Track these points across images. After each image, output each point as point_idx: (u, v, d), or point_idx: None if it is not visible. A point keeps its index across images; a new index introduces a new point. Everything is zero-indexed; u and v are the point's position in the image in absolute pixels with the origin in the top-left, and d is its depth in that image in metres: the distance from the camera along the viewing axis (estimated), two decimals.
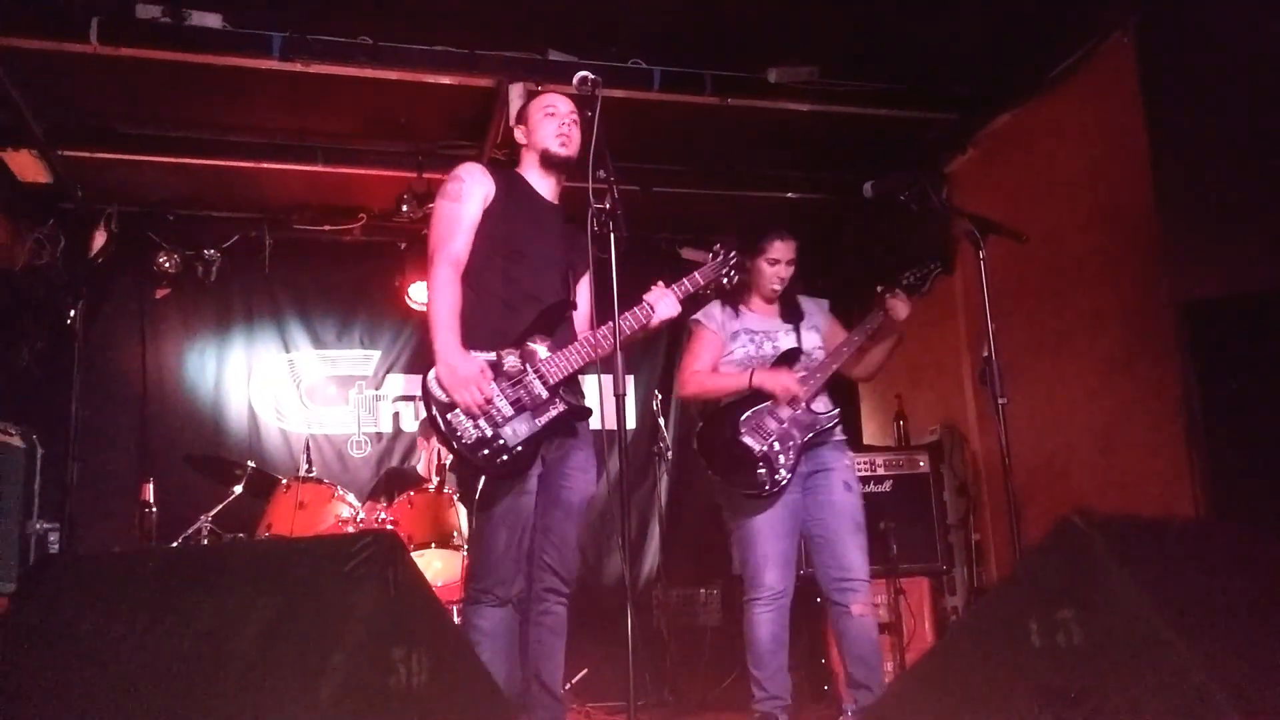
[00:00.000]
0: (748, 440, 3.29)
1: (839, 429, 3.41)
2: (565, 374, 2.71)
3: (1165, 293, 3.86)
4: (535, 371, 2.68)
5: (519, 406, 2.65)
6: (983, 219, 3.22)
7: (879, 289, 3.43)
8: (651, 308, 2.83)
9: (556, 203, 2.95)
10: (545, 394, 2.68)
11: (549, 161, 2.90)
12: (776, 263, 3.46)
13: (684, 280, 2.96)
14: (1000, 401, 3.05)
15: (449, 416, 2.61)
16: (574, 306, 2.85)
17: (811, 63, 4.57)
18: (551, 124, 2.88)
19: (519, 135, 2.99)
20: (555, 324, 2.76)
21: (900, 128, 5.01)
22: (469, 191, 2.80)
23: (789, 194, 5.60)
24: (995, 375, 3.05)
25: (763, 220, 5.56)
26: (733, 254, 3.05)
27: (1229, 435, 3.58)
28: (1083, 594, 1.70)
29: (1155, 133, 3.91)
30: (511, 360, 2.67)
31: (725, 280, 3.05)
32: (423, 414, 6.00)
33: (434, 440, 5.26)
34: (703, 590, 5.53)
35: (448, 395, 2.61)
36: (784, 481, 3.26)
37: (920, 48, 4.50)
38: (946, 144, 5.25)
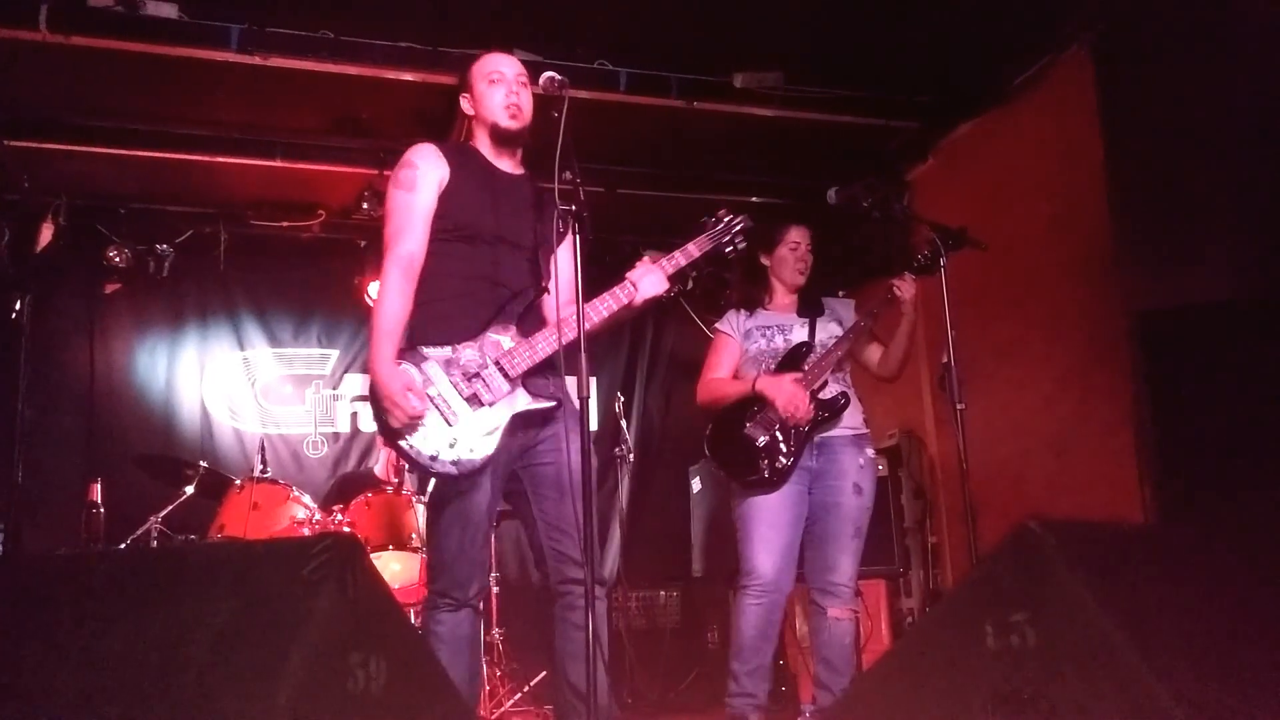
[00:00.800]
0: (751, 432, 3.31)
1: (849, 423, 3.36)
2: (529, 364, 2.53)
3: (1119, 302, 3.94)
4: (495, 364, 2.52)
5: (475, 403, 2.49)
6: (943, 227, 3.26)
7: (907, 274, 3.37)
8: (634, 285, 2.63)
9: (518, 173, 2.73)
10: (506, 387, 2.52)
11: (499, 136, 2.69)
12: (797, 246, 3.50)
13: (675, 254, 2.72)
14: (959, 407, 3.09)
15: (400, 442, 2.48)
16: (544, 290, 2.61)
17: (777, 68, 4.60)
18: (498, 92, 2.67)
19: (465, 105, 2.75)
20: (522, 311, 2.58)
21: (863, 135, 5.05)
22: (422, 178, 2.59)
23: (753, 198, 5.63)
24: (954, 381, 3.09)
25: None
26: (738, 220, 2.81)
27: (1179, 443, 3.65)
28: (1036, 597, 1.72)
29: (1111, 145, 3.99)
30: (469, 354, 2.51)
31: (730, 250, 2.82)
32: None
33: None
34: (663, 593, 5.54)
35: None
36: (784, 466, 3.26)
37: (884, 57, 4.55)
38: (908, 152, 5.32)
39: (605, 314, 2.60)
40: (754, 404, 3.35)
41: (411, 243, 2.56)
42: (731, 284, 3.74)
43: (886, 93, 4.86)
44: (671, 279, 2.70)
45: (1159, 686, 1.54)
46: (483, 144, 2.75)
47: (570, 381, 2.59)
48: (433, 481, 2.63)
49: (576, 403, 2.41)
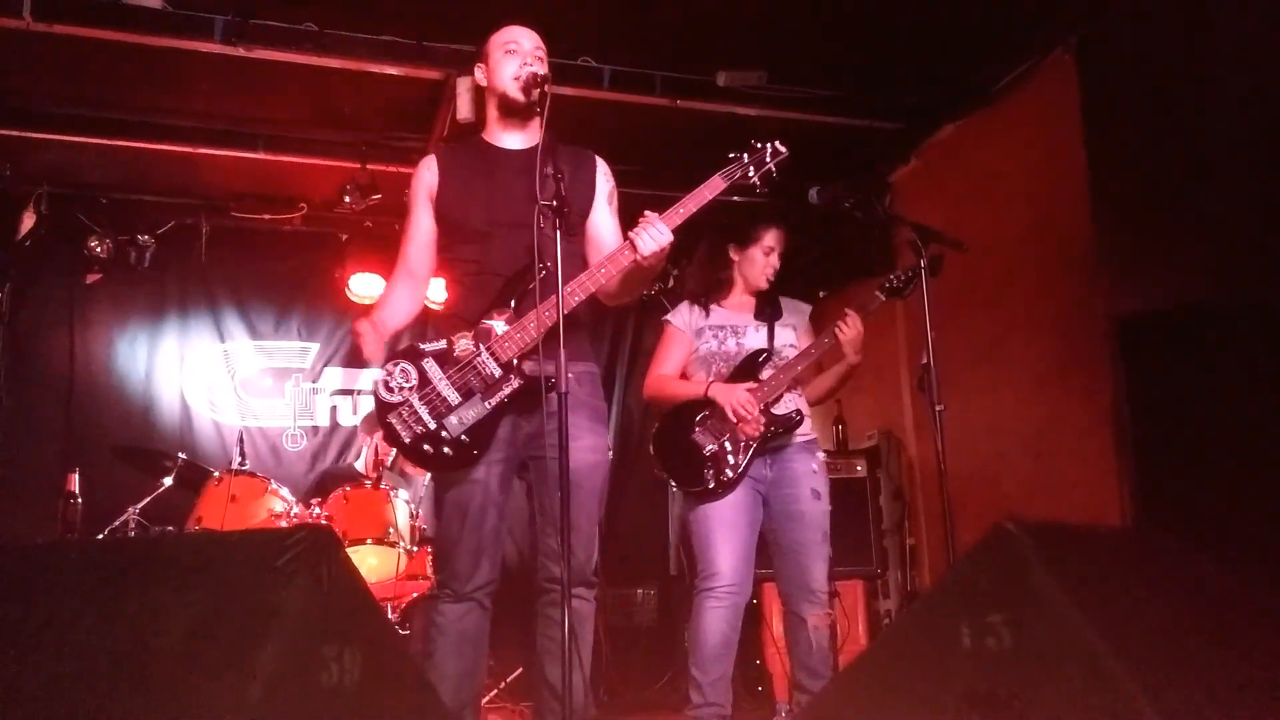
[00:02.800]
0: (699, 439, 3.27)
1: (801, 430, 3.33)
2: (522, 347, 2.51)
3: (1099, 304, 3.96)
4: (488, 350, 2.52)
5: (467, 391, 2.50)
6: (925, 228, 3.26)
7: (876, 291, 3.34)
8: (632, 244, 2.52)
9: (528, 147, 2.64)
10: (498, 372, 2.51)
11: (507, 107, 2.68)
12: (771, 251, 3.46)
13: (682, 201, 2.62)
14: (937, 408, 3.09)
15: (390, 419, 2.52)
16: (544, 269, 2.51)
17: (761, 67, 4.60)
18: (511, 63, 2.65)
19: (479, 76, 2.74)
20: (519, 294, 2.55)
21: (846, 135, 5.06)
22: (415, 194, 2.73)
23: (735, 198, 5.63)
24: (933, 382, 3.09)
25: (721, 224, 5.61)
26: (770, 151, 2.72)
27: (1156, 444, 3.68)
28: (1013, 599, 1.73)
29: (1093, 148, 4.01)
30: (463, 344, 2.53)
31: (755, 182, 2.71)
32: (364, 410, 5.95)
33: (376, 436, 5.19)
34: (639, 591, 5.54)
35: (389, 396, 2.52)
36: (729, 478, 3.22)
37: (867, 57, 4.56)
38: (891, 153, 5.33)
39: (603, 280, 2.55)
40: (704, 408, 3.29)
41: (403, 263, 2.74)
42: (691, 270, 3.68)
43: (869, 93, 4.87)
44: (683, 228, 2.60)
45: (1135, 688, 1.55)
46: (493, 122, 2.75)
47: (583, 368, 2.62)
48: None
49: (581, 387, 2.46)
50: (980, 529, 1.84)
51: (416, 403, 2.52)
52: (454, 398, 2.51)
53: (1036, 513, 4.13)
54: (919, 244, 3.20)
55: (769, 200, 3.69)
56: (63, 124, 4.81)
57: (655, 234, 2.51)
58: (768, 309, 3.47)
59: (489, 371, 2.52)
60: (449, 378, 2.52)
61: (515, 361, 2.52)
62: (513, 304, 2.56)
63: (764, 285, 3.47)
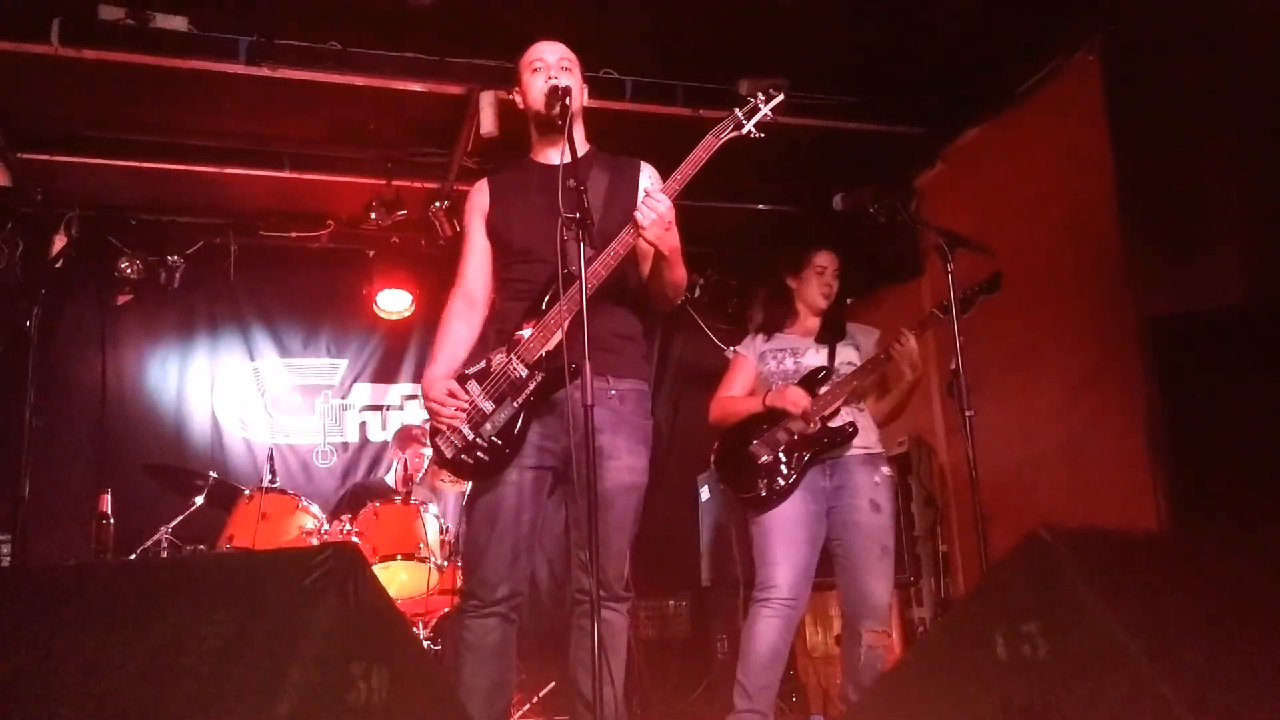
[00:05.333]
0: (755, 450, 3.37)
1: (861, 443, 3.37)
2: (544, 346, 2.54)
3: (1130, 308, 3.91)
4: (516, 356, 2.57)
5: (499, 398, 2.56)
6: (951, 232, 3.24)
7: (934, 310, 3.36)
8: (635, 225, 2.47)
9: (573, 159, 2.51)
10: (524, 373, 2.55)
11: (540, 123, 2.71)
12: (824, 270, 3.54)
13: (676, 171, 2.57)
14: (968, 414, 3.06)
15: (436, 440, 2.61)
16: (568, 271, 2.47)
17: (782, 75, 4.58)
18: (539, 79, 2.67)
19: (516, 99, 2.78)
20: (551, 301, 2.56)
21: (870, 141, 5.03)
22: (470, 219, 2.80)
23: (760, 205, 5.62)
24: (963, 388, 3.06)
25: (747, 232, 5.60)
26: (764, 98, 2.65)
27: (1191, 450, 3.61)
28: (1048, 607, 1.70)
29: (1120, 149, 3.96)
30: (499, 358, 2.60)
31: (749, 131, 2.64)
32: (393, 425, 5.98)
33: (407, 451, 5.21)
34: (671, 602, 5.51)
35: (434, 422, 2.61)
36: (782, 486, 3.28)
37: (890, 62, 4.53)
38: (915, 157, 5.29)
39: (614, 262, 2.51)
40: (763, 422, 3.39)
41: (461, 284, 2.77)
42: (757, 307, 3.78)
43: (893, 98, 4.84)
44: (684, 193, 2.55)
45: (1174, 697, 1.52)
46: (532, 136, 2.80)
47: (630, 385, 2.63)
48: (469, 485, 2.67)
49: (625, 405, 2.50)
50: (1014, 535, 1.81)
51: (460, 422, 2.59)
52: (489, 407, 2.57)
53: (1071, 519, 4.06)
54: (946, 249, 3.18)
55: (818, 224, 3.70)
56: (92, 147, 4.90)
57: (652, 203, 2.46)
58: (829, 332, 3.53)
59: (517, 375, 2.56)
60: (485, 390, 2.58)
61: (543, 355, 2.55)
62: (543, 309, 2.59)
63: (823, 304, 3.55)
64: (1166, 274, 3.77)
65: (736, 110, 2.67)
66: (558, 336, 2.49)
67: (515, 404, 2.55)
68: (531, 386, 2.55)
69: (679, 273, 2.64)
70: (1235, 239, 3.55)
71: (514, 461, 2.55)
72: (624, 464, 2.59)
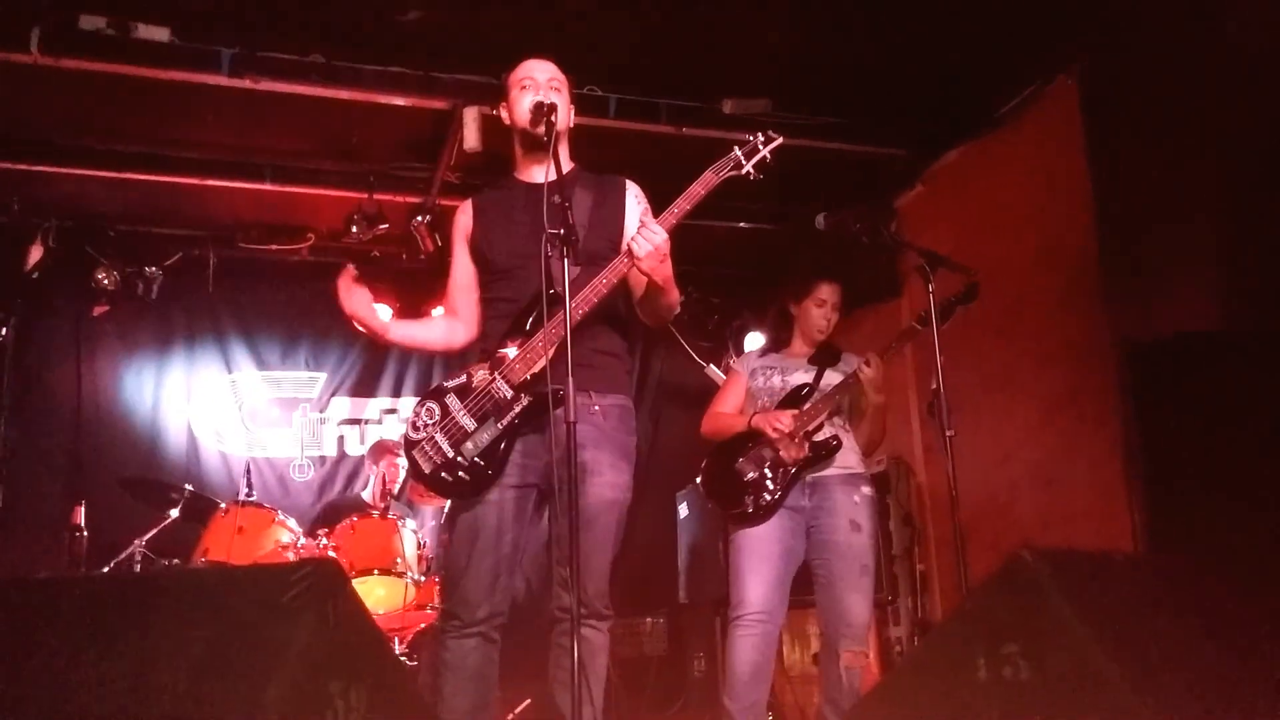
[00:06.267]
0: (741, 467, 3.39)
1: (842, 463, 3.39)
2: (531, 368, 2.53)
3: (1107, 332, 3.94)
4: (501, 375, 2.57)
5: (482, 417, 2.56)
6: (933, 253, 3.26)
7: (913, 323, 3.35)
8: (628, 254, 2.49)
9: (558, 176, 2.51)
10: (509, 394, 2.55)
11: (525, 140, 2.71)
12: (824, 304, 3.57)
13: (676, 202, 2.58)
14: (948, 434, 3.07)
15: (414, 454, 2.59)
16: (554, 291, 2.47)
17: (766, 95, 4.62)
18: (526, 97, 2.68)
19: (503, 115, 2.79)
20: (536, 320, 2.56)
21: (852, 161, 5.06)
22: (454, 242, 2.83)
23: (742, 224, 5.64)
24: (943, 407, 3.08)
25: (729, 250, 5.61)
26: (763, 142, 2.65)
27: (1166, 473, 3.64)
28: (1029, 628, 1.71)
29: (1098, 173, 4.01)
30: (480, 375, 2.59)
31: (747, 172, 2.64)
32: (371, 439, 5.93)
33: (381, 464, 5.17)
34: (648, 620, 5.49)
35: (415, 435, 2.60)
36: (768, 503, 3.30)
37: (872, 84, 4.57)
38: (896, 179, 5.33)
39: (604, 290, 2.52)
40: (749, 440, 3.41)
41: (449, 300, 2.83)
42: (766, 325, 3.84)
43: (875, 120, 4.88)
44: (679, 227, 2.57)
45: (1152, 718, 1.53)
46: (518, 154, 2.81)
47: (613, 400, 2.64)
48: (449, 502, 2.67)
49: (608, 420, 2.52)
50: (991, 556, 1.82)
51: (438, 435, 2.58)
52: (470, 424, 2.56)
53: (1046, 540, 4.10)
54: (927, 270, 3.20)
55: (822, 253, 3.74)
56: (70, 157, 4.84)
57: (649, 235, 2.47)
58: (824, 356, 3.56)
59: (502, 395, 2.56)
60: (466, 407, 2.58)
61: (528, 378, 2.54)
62: (527, 328, 2.59)
63: (819, 336, 3.58)
64: (1143, 298, 3.81)
65: (736, 150, 2.68)
66: (542, 362, 2.49)
67: (499, 425, 2.54)
68: (517, 409, 2.55)
69: (672, 297, 2.67)
70: (1211, 264, 3.60)
71: (496, 481, 2.55)
72: (606, 480, 2.59)
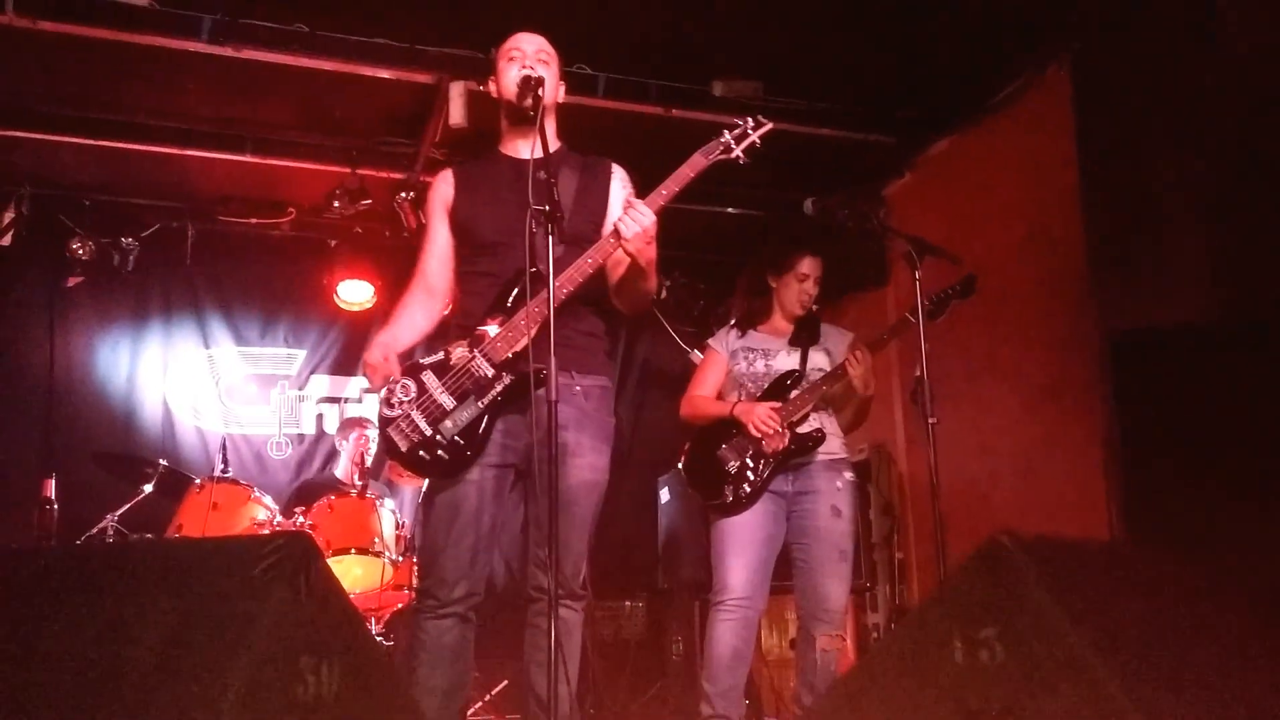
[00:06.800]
0: (723, 455, 3.34)
1: (825, 449, 3.37)
2: (513, 346, 2.50)
3: (1091, 322, 3.94)
4: (481, 353, 2.53)
5: (462, 395, 2.52)
6: (920, 240, 3.25)
7: (907, 315, 3.31)
8: (615, 233, 2.47)
9: (544, 152, 2.48)
10: (490, 373, 2.52)
11: (511, 113, 2.68)
12: (806, 278, 3.50)
13: (664, 183, 2.55)
14: (930, 421, 3.07)
15: (389, 431, 2.53)
16: (536, 269, 2.47)
17: (758, 79, 4.59)
18: (513, 69, 2.65)
19: (491, 88, 2.76)
20: (518, 298, 2.54)
21: (841, 148, 5.04)
22: (432, 210, 2.77)
23: (729, 209, 5.62)
24: (927, 394, 3.07)
25: (715, 235, 5.58)
26: (753, 127, 2.64)
27: (1145, 464, 3.65)
28: (1006, 613, 1.70)
29: (1086, 164, 4.00)
30: (459, 352, 2.55)
31: (738, 156, 2.63)
32: (344, 414, 5.89)
33: (351, 437, 5.13)
34: (628, 603, 5.49)
35: (390, 412, 2.53)
36: (748, 493, 3.28)
37: (863, 71, 4.55)
38: (885, 166, 5.31)
39: (590, 269, 2.51)
40: (732, 427, 3.36)
41: (420, 276, 2.75)
42: (736, 298, 3.74)
43: (865, 106, 4.86)
44: (667, 208, 2.54)
45: (1129, 704, 1.53)
46: (504, 127, 2.77)
47: (593, 381, 2.62)
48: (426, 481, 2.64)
49: (589, 401, 2.48)
50: (970, 545, 1.81)
51: (415, 413, 2.53)
52: (449, 403, 2.52)
53: (1026, 529, 4.10)
54: (914, 257, 3.18)
55: (807, 229, 3.70)
56: (45, 123, 4.74)
57: (637, 215, 2.46)
58: (804, 334, 3.51)
59: (482, 373, 2.53)
60: (444, 385, 2.54)
61: (510, 358, 2.52)
62: (508, 306, 2.56)
63: (799, 312, 3.52)
64: (1128, 289, 3.81)
65: (726, 133, 2.66)
66: (525, 340, 2.46)
67: (480, 404, 2.51)
68: (498, 388, 2.52)
69: (652, 283, 2.65)
70: (1197, 256, 3.60)
71: (475, 461, 2.52)
72: (586, 462, 2.59)
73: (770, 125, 2.69)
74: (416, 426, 2.52)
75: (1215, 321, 3.49)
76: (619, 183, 2.78)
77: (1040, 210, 4.34)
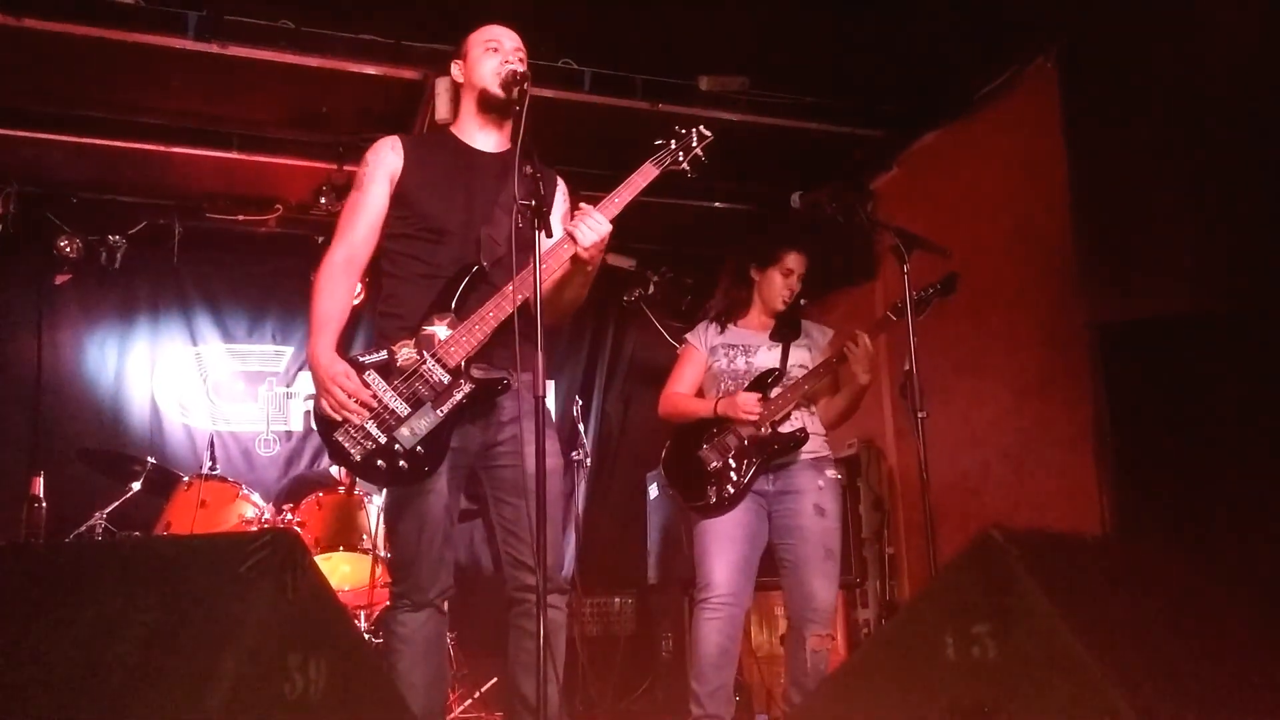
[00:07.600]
0: (705, 455, 3.30)
1: (808, 448, 3.34)
2: (469, 350, 2.45)
3: (1080, 315, 3.95)
4: (433, 357, 2.44)
5: (416, 401, 2.41)
6: (909, 234, 3.24)
7: (888, 313, 3.30)
8: (571, 236, 2.46)
9: (502, 150, 2.61)
10: (447, 379, 2.44)
11: (487, 104, 2.63)
12: (790, 274, 3.46)
13: (617, 190, 2.57)
14: (919, 415, 3.06)
15: (337, 437, 2.40)
16: (481, 268, 2.50)
17: (743, 73, 4.58)
18: (493, 60, 2.61)
19: (456, 72, 2.70)
20: (462, 296, 2.48)
21: (828, 142, 5.04)
22: (372, 174, 2.60)
23: (716, 203, 5.61)
24: (916, 389, 3.07)
25: (702, 229, 5.57)
26: (696, 135, 2.68)
27: (1135, 456, 3.66)
28: (999, 609, 1.70)
29: (1074, 157, 4.00)
30: (406, 353, 2.44)
31: (685, 167, 2.68)
32: None
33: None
34: (617, 600, 5.49)
35: (334, 414, 2.39)
36: (731, 494, 3.24)
37: (849, 64, 4.54)
38: (873, 160, 5.31)
39: (557, 273, 2.49)
40: (712, 426, 3.33)
41: (349, 244, 2.57)
42: (718, 290, 3.69)
43: (852, 101, 4.85)
44: (620, 217, 2.55)
45: (1121, 699, 1.53)
46: (468, 119, 2.70)
47: (525, 378, 2.52)
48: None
49: (535, 399, 2.35)
50: (960, 540, 1.82)
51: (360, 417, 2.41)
52: (403, 409, 2.42)
53: (1016, 524, 4.11)
54: (902, 250, 3.18)
55: (792, 223, 3.69)
56: (32, 121, 4.71)
57: (593, 224, 2.46)
58: (785, 329, 3.48)
59: (437, 379, 2.45)
60: (395, 389, 2.43)
61: (463, 365, 2.46)
62: (453, 306, 2.49)
63: (780, 307, 3.48)
64: (1115, 282, 3.81)
65: (671, 143, 2.69)
66: (479, 340, 2.44)
67: (439, 412, 2.42)
68: (458, 396, 2.44)
69: (586, 291, 2.64)
70: (1183, 249, 3.61)
71: (435, 471, 2.45)
72: (541, 449, 2.53)
73: (711, 137, 2.72)
74: (369, 433, 2.39)
75: (1202, 313, 3.49)
76: (561, 196, 2.76)
77: (1027, 203, 4.35)
